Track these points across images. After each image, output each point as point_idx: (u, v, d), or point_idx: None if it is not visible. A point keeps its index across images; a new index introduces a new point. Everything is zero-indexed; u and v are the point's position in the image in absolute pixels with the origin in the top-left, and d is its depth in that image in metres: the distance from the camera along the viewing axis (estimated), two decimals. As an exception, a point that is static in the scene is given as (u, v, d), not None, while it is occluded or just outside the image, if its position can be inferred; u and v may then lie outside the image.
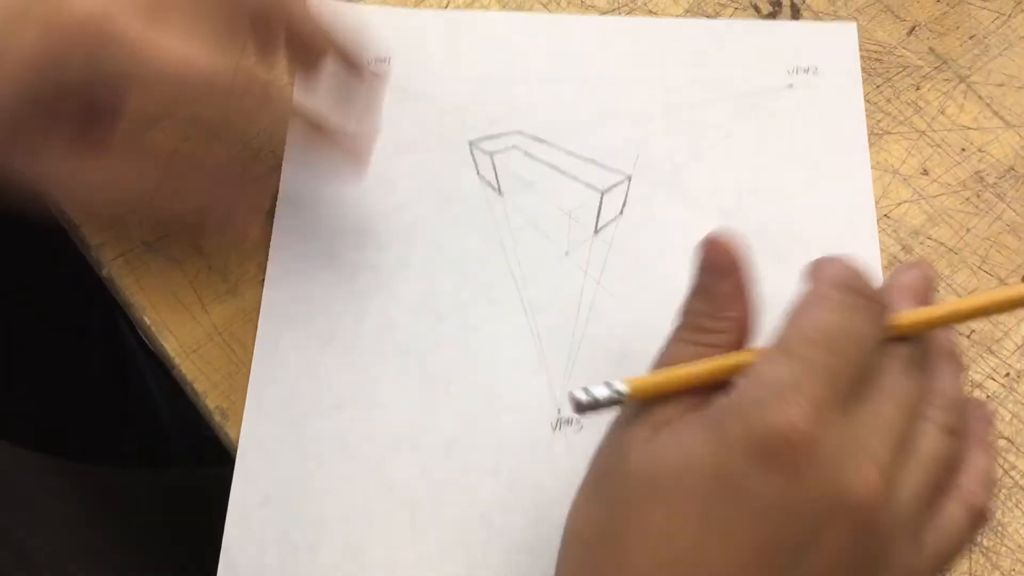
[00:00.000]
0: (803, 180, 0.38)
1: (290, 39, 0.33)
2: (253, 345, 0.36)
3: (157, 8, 0.30)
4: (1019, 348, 0.35)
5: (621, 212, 0.38)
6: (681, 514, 0.23)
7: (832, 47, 0.40)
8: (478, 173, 0.39)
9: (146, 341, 0.37)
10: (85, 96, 0.31)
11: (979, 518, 0.25)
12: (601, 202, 0.38)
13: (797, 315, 0.25)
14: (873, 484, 0.23)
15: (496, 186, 0.38)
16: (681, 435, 0.24)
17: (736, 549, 0.23)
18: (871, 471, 0.23)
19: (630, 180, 0.38)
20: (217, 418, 0.35)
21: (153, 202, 0.33)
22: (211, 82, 0.30)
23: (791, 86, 0.40)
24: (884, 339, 0.25)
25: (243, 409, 0.35)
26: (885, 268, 0.37)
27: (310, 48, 0.34)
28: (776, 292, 0.36)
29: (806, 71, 0.40)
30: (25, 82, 0.29)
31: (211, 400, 0.35)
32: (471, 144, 0.39)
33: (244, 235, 0.36)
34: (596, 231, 0.38)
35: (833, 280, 0.25)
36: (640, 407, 0.26)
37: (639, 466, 0.24)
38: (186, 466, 0.58)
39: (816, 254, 0.36)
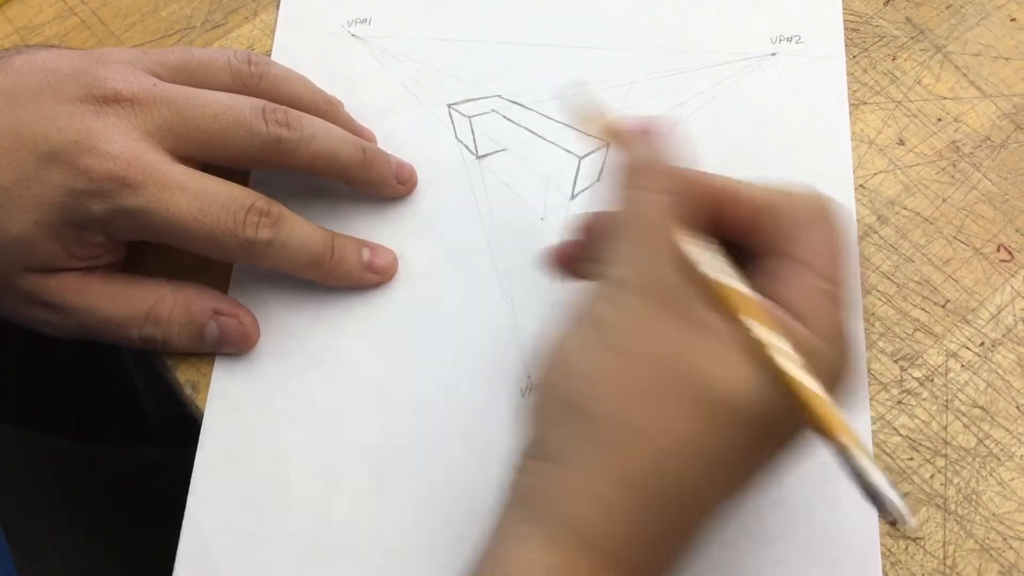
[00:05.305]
0: (783, 148, 0.38)
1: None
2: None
3: (181, 141, 0.32)
4: (994, 317, 0.35)
5: (599, 178, 0.37)
6: None
7: (816, 17, 0.40)
8: (456, 136, 0.38)
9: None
10: (99, 230, 0.32)
11: None
12: (579, 168, 0.38)
13: (827, 249, 0.26)
14: None
15: (474, 149, 0.38)
16: None
17: None
18: None
19: (609, 146, 0.38)
20: (188, 391, 0.34)
21: (144, 326, 0.34)
22: (215, 240, 0.32)
23: (774, 54, 0.40)
24: None
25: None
26: (860, 239, 0.36)
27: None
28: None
29: (789, 40, 0.40)
30: (43, 217, 0.31)
31: (181, 373, 0.34)
32: (450, 107, 0.39)
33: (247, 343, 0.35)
34: (573, 196, 0.37)
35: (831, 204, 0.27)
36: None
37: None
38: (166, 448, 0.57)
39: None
